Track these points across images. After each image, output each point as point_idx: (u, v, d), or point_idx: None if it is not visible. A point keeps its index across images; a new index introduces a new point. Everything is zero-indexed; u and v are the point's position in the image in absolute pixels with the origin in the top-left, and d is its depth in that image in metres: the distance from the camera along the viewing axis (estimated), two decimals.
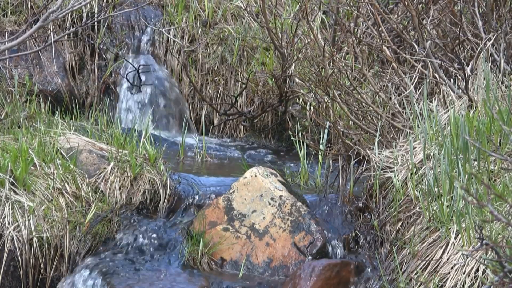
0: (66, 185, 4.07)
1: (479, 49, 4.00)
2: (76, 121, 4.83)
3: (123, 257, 3.99)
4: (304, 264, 3.74)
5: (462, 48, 4.17)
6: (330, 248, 3.95)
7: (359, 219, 3.95)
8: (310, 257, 3.88)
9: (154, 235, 4.03)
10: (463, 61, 3.89)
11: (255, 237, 3.97)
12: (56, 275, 3.96)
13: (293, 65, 4.84)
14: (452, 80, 3.99)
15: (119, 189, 4.15)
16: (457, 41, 4.10)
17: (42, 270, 3.93)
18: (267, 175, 4.09)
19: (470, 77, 3.88)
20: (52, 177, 4.06)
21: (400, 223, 3.61)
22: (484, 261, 2.92)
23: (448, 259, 3.13)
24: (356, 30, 4.41)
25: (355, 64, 4.27)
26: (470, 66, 3.90)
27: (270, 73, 5.07)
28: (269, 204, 4.01)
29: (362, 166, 3.95)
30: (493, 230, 3.05)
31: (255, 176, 4.06)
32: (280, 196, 4.03)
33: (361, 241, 3.92)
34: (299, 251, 3.91)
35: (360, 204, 3.98)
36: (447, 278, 3.09)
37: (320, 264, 3.70)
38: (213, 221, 4.02)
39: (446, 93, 3.81)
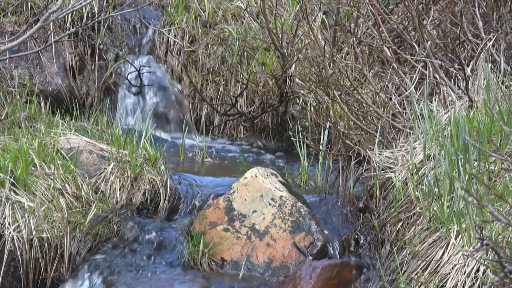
0: (67, 185, 4.07)
1: (479, 49, 3.99)
2: (77, 122, 4.82)
3: (123, 257, 3.99)
4: (304, 265, 3.74)
5: (462, 49, 4.15)
6: (330, 249, 3.94)
7: (360, 220, 3.95)
8: (310, 258, 3.88)
9: (155, 236, 4.03)
10: (463, 61, 3.88)
11: (256, 238, 3.97)
12: (57, 276, 3.96)
13: (294, 65, 4.83)
14: (452, 80, 3.98)
15: (120, 189, 4.15)
16: (458, 41, 4.09)
17: (42, 270, 3.93)
18: (267, 175, 4.09)
19: (471, 78, 3.87)
20: (52, 178, 4.06)
21: (400, 224, 3.61)
22: (485, 262, 2.91)
23: (448, 260, 3.13)
24: (356, 30, 4.40)
25: (356, 64, 4.26)
26: (470, 66, 3.90)
27: (270, 74, 5.07)
28: (270, 204, 4.01)
29: (363, 166, 3.94)
30: (493, 230, 3.05)
31: (256, 176, 4.06)
32: (281, 197, 4.03)
33: (362, 241, 3.91)
34: (300, 252, 3.91)
35: (361, 205, 3.97)
36: (448, 279, 3.09)
37: (320, 264, 3.69)
38: (214, 221, 4.02)
39: (447, 93, 3.81)
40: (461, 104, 3.71)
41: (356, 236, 3.92)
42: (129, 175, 4.19)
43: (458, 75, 3.98)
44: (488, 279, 2.93)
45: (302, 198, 4.15)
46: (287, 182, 4.22)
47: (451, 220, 3.26)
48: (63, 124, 4.54)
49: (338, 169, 4.12)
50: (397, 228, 3.58)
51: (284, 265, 3.90)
